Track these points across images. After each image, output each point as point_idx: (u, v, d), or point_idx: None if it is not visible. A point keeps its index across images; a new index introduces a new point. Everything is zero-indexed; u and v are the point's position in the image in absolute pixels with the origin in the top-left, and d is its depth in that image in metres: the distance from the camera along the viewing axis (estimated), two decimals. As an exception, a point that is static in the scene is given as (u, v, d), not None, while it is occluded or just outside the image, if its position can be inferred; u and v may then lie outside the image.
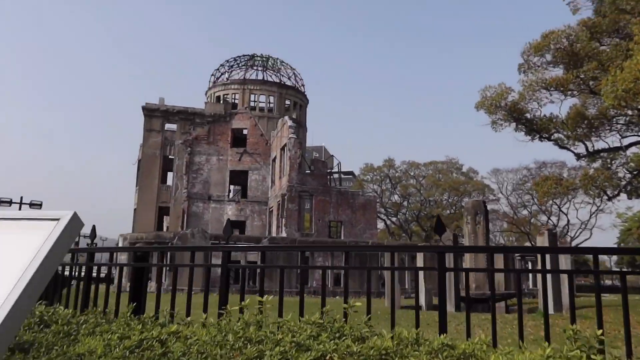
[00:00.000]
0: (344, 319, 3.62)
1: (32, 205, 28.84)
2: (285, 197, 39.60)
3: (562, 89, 18.73)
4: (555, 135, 22.06)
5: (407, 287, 30.42)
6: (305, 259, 29.65)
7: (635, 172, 20.41)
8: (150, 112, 46.06)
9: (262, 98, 49.55)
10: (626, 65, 13.82)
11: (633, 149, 20.88)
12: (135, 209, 45.69)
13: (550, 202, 52.14)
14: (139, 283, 6.30)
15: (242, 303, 3.76)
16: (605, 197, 22.08)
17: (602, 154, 22.15)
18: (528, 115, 21.33)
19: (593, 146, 21.20)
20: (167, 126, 46.81)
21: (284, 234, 39.05)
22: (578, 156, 21.98)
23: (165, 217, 48.04)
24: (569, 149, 21.75)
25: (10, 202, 27.96)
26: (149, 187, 45.12)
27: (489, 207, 66.25)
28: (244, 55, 51.72)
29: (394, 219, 68.47)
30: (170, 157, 46.42)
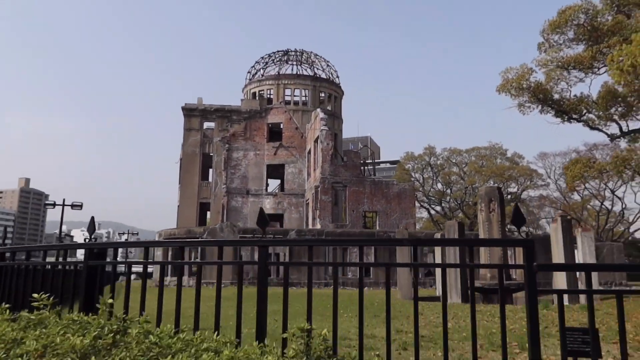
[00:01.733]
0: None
1: (73, 206, 30.62)
2: (318, 189, 39.82)
3: (581, 66, 17.58)
4: (587, 115, 20.80)
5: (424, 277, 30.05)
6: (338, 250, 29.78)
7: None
8: (189, 112, 47.59)
9: (297, 92, 49.91)
10: (634, 37, 12.66)
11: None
12: (178, 206, 47.52)
13: (603, 186, 49.34)
14: (92, 281, 6.60)
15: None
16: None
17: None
18: (556, 96, 20.23)
19: (628, 126, 19.82)
20: (206, 124, 48.22)
21: (318, 226, 39.35)
22: (612, 137, 20.60)
23: (208, 212, 49.65)
24: (600, 130, 20.44)
25: (54, 204, 29.79)
26: (189, 184, 46.77)
27: (537, 192, 63.29)
28: (278, 51, 52.22)
29: (437, 208, 67.15)
30: (210, 154, 47.83)
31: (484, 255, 16.43)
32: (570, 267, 7.93)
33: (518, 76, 19.52)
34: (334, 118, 50.35)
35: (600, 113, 19.76)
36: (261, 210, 3.19)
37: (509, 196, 63.66)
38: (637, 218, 51.38)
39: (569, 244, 13.68)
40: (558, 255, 13.76)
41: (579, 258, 16.14)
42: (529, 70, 19.68)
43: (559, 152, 54.26)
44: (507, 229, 16.76)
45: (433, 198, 64.33)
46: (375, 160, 55.80)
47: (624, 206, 50.41)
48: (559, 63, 18.34)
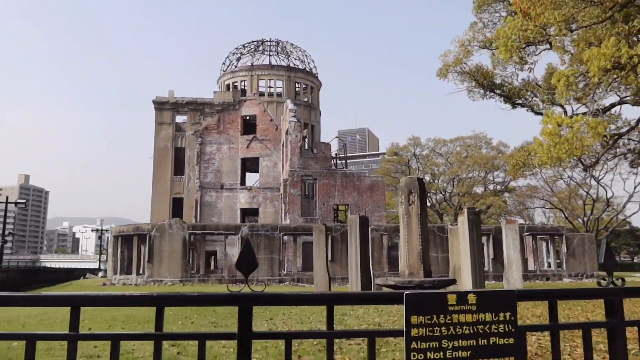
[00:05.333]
0: None
1: (17, 204, 29.80)
2: (287, 182, 38.91)
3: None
4: (534, 100, 19.65)
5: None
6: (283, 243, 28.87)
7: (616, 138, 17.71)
8: (161, 105, 46.75)
9: (272, 83, 48.90)
10: (516, 9, 11.50)
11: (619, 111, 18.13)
12: (152, 201, 46.83)
13: (587, 174, 47.91)
14: None
15: None
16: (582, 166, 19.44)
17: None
18: (497, 81, 19.09)
19: (572, 110, 18.68)
20: (178, 118, 47.38)
21: (288, 221, 38.49)
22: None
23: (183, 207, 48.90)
24: (543, 115, 19.30)
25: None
26: (162, 178, 46.04)
27: (523, 182, 61.49)
28: (253, 42, 51.16)
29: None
30: (183, 148, 47.01)
31: (403, 248, 15.42)
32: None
33: (455, 60, 18.39)
34: (311, 109, 49.35)
35: (545, 97, 18.67)
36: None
37: (498, 186, 62.42)
38: (624, 207, 50.02)
39: (476, 238, 12.67)
40: (464, 250, 12.75)
41: (505, 252, 15.14)
42: (466, 53, 18.55)
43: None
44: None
45: (419, 189, 63.16)
46: (336, 155, 53.61)
47: (609, 195, 49.06)
48: (480, 43, 17.23)
